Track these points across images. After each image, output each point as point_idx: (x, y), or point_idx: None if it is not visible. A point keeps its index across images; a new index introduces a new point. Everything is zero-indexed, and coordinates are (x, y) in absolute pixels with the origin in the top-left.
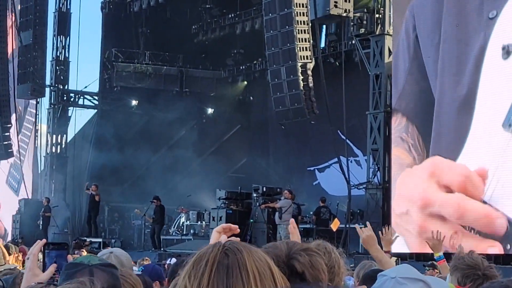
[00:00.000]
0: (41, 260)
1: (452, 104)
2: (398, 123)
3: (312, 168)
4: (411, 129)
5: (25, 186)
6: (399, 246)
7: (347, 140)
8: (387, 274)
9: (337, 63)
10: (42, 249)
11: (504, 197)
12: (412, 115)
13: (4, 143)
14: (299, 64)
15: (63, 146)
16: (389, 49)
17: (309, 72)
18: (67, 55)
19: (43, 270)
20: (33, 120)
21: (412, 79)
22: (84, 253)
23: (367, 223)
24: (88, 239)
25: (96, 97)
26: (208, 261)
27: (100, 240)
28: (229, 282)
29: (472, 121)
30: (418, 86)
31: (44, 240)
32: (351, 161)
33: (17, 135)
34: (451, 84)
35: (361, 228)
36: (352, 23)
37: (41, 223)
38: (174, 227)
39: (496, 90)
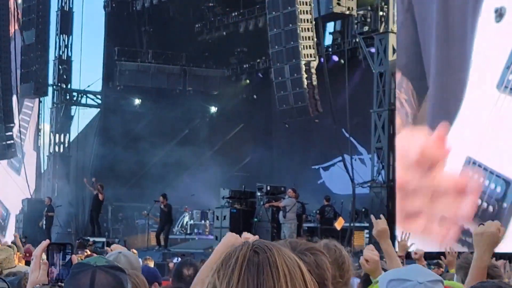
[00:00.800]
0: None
1: (447, 67)
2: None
3: (316, 167)
4: (405, 85)
5: (28, 185)
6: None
7: (351, 138)
8: (413, 278)
9: (341, 61)
10: (46, 250)
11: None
12: (406, 71)
13: (7, 142)
14: (303, 62)
15: (66, 145)
16: (393, 47)
17: (313, 71)
18: (69, 54)
19: (48, 271)
20: (28, 118)
21: (405, 32)
22: (88, 252)
23: (381, 215)
24: (91, 239)
25: (99, 96)
26: (238, 258)
27: (103, 239)
28: (259, 280)
29: (467, 83)
30: (410, 40)
31: (47, 241)
32: (355, 160)
33: (20, 134)
34: (445, 47)
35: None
36: (355, 21)
37: (44, 223)
38: (178, 226)
39: (490, 52)
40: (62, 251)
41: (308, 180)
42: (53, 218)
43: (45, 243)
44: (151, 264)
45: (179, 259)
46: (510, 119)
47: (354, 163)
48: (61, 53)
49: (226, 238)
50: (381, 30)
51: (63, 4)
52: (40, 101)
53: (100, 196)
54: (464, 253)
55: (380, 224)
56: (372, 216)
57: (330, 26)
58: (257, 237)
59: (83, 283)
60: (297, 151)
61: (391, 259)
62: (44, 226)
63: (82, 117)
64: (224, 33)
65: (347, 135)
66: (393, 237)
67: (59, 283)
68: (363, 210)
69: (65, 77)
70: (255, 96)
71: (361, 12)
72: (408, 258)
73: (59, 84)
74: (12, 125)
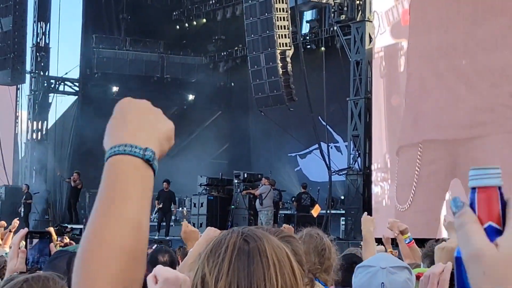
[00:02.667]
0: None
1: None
2: None
3: (293, 154)
4: None
5: (5, 172)
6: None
7: (328, 126)
8: (376, 264)
9: (318, 49)
10: (25, 238)
11: None
12: None
13: None
14: (278, 51)
15: (44, 132)
16: (369, 35)
17: (288, 60)
18: (47, 41)
19: (26, 259)
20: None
21: None
22: (66, 239)
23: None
24: (69, 226)
25: (76, 84)
26: (228, 247)
27: (81, 226)
28: (249, 268)
29: None
30: None
31: (26, 229)
32: (331, 147)
33: None
34: None
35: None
36: (332, 10)
37: (22, 210)
38: (154, 213)
39: None
40: (40, 239)
41: (285, 167)
42: (31, 206)
43: (24, 231)
44: None
45: (157, 246)
46: None
47: (330, 151)
48: (38, 40)
49: (206, 233)
50: (358, 19)
51: None
52: (17, 88)
53: (79, 186)
54: (430, 241)
55: (366, 216)
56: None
57: (307, 15)
58: None
59: (60, 266)
60: (274, 138)
61: (367, 244)
62: (22, 214)
63: (60, 104)
64: (202, 21)
65: (323, 123)
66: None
67: (36, 267)
68: (340, 197)
69: (42, 64)
70: (232, 84)
71: (338, 1)
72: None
73: (37, 71)
74: None
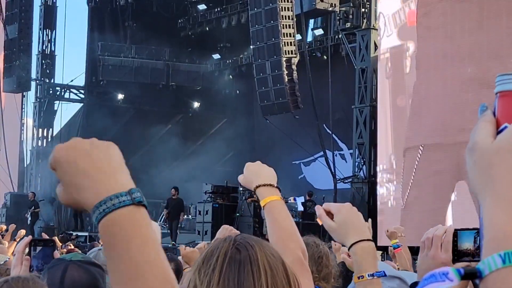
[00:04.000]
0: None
1: None
2: None
3: (297, 162)
4: None
5: (10, 179)
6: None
7: (332, 134)
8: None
9: (323, 57)
10: (29, 246)
11: None
12: None
13: None
14: (284, 59)
15: (49, 140)
16: (375, 43)
17: (294, 67)
18: (53, 48)
19: (30, 267)
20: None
21: None
22: (71, 246)
23: (369, 220)
24: (74, 233)
25: (82, 91)
26: (219, 257)
27: (86, 234)
28: (240, 278)
29: None
30: None
31: (30, 237)
32: (336, 155)
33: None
34: None
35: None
36: (338, 18)
37: (29, 218)
38: (160, 221)
39: None
40: (44, 247)
41: (289, 175)
42: (39, 214)
43: (28, 239)
44: None
45: None
46: None
47: (335, 159)
48: (44, 47)
49: (221, 231)
50: (363, 27)
51: None
52: (23, 96)
53: None
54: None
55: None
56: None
57: (312, 23)
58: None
59: (55, 276)
60: (279, 146)
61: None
62: (28, 222)
63: (65, 111)
64: (207, 28)
65: (328, 130)
66: (375, 233)
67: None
68: None
69: (48, 71)
70: (237, 91)
71: (343, 9)
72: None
73: (42, 79)
74: None
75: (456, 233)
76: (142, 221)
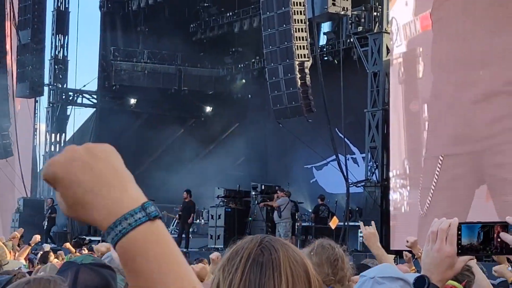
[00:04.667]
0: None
1: None
2: None
3: (309, 166)
4: None
5: (23, 184)
6: (399, 243)
7: (344, 138)
8: (367, 274)
9: (335, 61)
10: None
11: None
12: None
13: (3, 142)
14: (297, 62)
15: (62, 145)
16: (387, 47)
17: (307, 71)
18: (65, 54)
19: None
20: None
21: None
22: (85, 251)
23: (372, 222)
24: (87, 238)
25: (94, 96)
26: (242, 257)
27: (99, 238)
28: (261, 281)
29: None
30: None
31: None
32: (348, 159)
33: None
34: None
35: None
36: (350, 21)
37: (46, 224)
38: (173, 226)
39: None
40: None
41: (301, 179)
42: (55, 219)
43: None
44: None
45: None
46: None
47: (347, 163)
48: (57, 52)
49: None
50: (375, 30)
51: (59, 4)
52: (36, 101)
53: None
54: None
55: (368, 228)
56: (361, 222)
57: (324, 26)
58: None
59: (67, 279)
60: (290, 150)
61: (382, 262)
62: (45, 227)
63: (78, 116)
64: (219, 33)
65: (340, 134)
66: (388, 237)
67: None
68: (357, 209)
69: (60, 76)
70: (249, 96)
71: (355, 13)
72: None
73: (55, 84)
74: (8, 124)
75: (460, 227)
76: (161, 235)
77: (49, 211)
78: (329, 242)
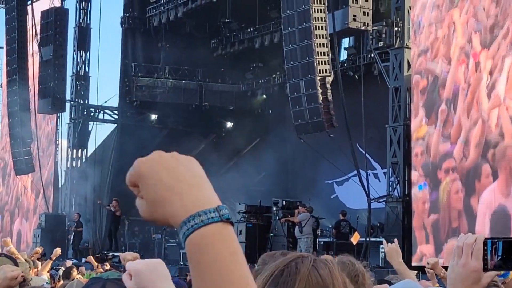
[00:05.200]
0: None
1: None
2: None
3: (330, 181)
4: None
5: (45, 200)
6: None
7: (366, 154)
8: None
9: (356, 76)
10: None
11: None
12: None
13: (25, 157)
14: (318, 77)
15: (83, 160)
16: (408, 62)
17: (328, 86)
18: (87, 70)
19: None
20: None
21: None
22: (107, 266)
23: (395, 239)
24: (110, 253)
25: (116, 112)
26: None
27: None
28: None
29: None
30: None
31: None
32: (369, 174)
33: (38, 151)
34: None
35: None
36: (371, 37)
37: (72, 237)
38: None
39: None
40: None
41: (322, 195)
42: (82, 234)
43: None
44: None
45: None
46: None
47: (368, 178)
48: (78, 69)
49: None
50: (396, 45)
51: (81, 20)
52: (57, 117)
53: (117, 213)
54: None
55: (390, 245)
56: (384, 240)
57: (345, 42)
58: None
59: None
60: (311, 166)
61: (404, 277)
62: (71, 241)
63: (99, 132)
64: (240, 48)
65: (361, 150)
66: (410, 253)
67: None
68: (379, 225)
69: (82, 92)
70: (270, 111)
71: (376, 28)
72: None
73: (77, 100)
74: (30, 140)
75: (486, 242)
76: (230, 238)
77: (75, 225)
78: (349, 258)
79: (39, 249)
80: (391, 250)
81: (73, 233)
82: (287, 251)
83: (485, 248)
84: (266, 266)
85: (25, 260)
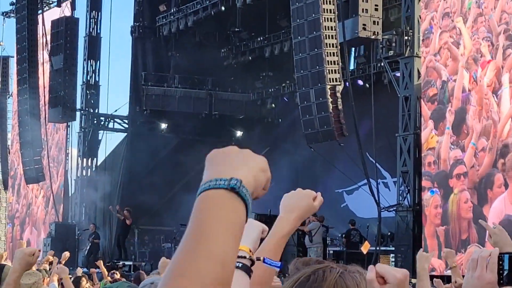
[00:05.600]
0: None
1: None
2: None
3: (340, 190)
4: None
5: (55, 208)
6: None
7: (375, 163)
8: None
9: (366, 85)
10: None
11: None
12: None
13: (35, 166)
14: (328, 86)
15: (94, 169)
16: (418, 71)
17: (338, 95)
18: (97, 79)
19: None
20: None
21: None
22: (117, 275)
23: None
24: (121, 262)
25: (126, 121)
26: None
27: (130, 263)
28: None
29: None
30: None
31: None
32: (379, 183)
33: (48, 160)
34: None
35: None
36: (381, 45)
37: (88, 248)
38: None
39: None
40: None
41: (332, 204)
42: (99, 245)
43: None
44: None
45: None
46: None
47: (378, 187)
48: (88, 78)
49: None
50: (406, 54)
51: (91, 29)
52: (68, 126)
53: (128, 221)
54: None
55: (424, 253)
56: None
57: (355, 51)
58: None
59: None
60: (321, 174)
61: (419, 283)
62: (86, 252)
63: (109, 141)
64: (250, 57)
65: (371, 159)
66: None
67: None
68: (389, 234)
69: (92, 101)
70: (280, 120)
71: (386, 37)
72: None
73: (87, 109)
74: (40, 149)
75: (501, 257)
76: (225, 205)
77: (93, 236)
78: (357, 268)
79: (51, 256)
80: (422, 254)
81: (90, 244)
82: (322, 259)
83: (500, 262)
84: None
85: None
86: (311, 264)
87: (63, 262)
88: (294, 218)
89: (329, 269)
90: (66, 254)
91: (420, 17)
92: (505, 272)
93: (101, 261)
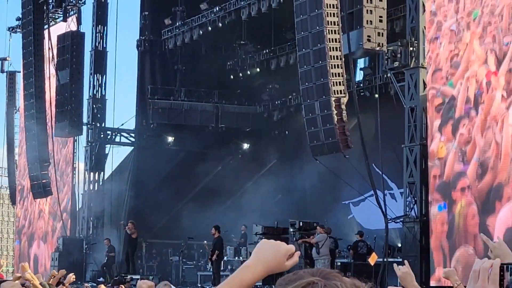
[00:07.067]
0: None
1: None
2: None
3: (347, 202)
4: None
5: (63, 223)
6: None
7: (382, 174)
8: None
9: (372, 96)
10: None
11: None
12: None
13: (43, 181)
14: (333, 98)
15: (100, 183)
16: (423, 81)
17: (343, 107)
18: (103, 93)
19: None
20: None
21: None
22: None
23: (405, 261)
24: (128, 276)
25: (132, 134)
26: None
27: (138, 277)
28: None
29: None
30: None
31: None
32: (385, 194)
33: (55, 174)
34: None
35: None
36: (386, 57)
37: (105, 261)
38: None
39: None
40: None
41: (338, 215)
42: (115, 258)
43: None
44: None
45: None
46: None
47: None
48: (95, 92)
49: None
50: (412, 65)
51: (97, 44)
52: (74, 140)
53: (133, 235)
54: None
55: (402, 269)
56: (394, 265)
57: (360, 62)
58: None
59: None
60: (328, 186)
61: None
62: (104, 266)
63: (116, 155)
64: (256, 70)
65: (377, 170)
66: (428, 273)
67: None
68: (399, 246)
69: (99, 115)
70: (287, 132)
71: (391, 48)
72: None
73: (93, 123)
74: (47, 164)
75: (502, 268)
76: None
77: (108, 250)
78: (354, 282)
79: (55, 272)
80: (404, 274)
81: (106, 258)
82: (298, 270)
83: (502, 273)
84: None
85: (41, 284)
86: (288, 278)
87: (67, 284)
88: (260, 270)
89: (311, 286)
90: (71, 277)
91: (425, 28)
92: (507, 284)
93: (102, 286)
